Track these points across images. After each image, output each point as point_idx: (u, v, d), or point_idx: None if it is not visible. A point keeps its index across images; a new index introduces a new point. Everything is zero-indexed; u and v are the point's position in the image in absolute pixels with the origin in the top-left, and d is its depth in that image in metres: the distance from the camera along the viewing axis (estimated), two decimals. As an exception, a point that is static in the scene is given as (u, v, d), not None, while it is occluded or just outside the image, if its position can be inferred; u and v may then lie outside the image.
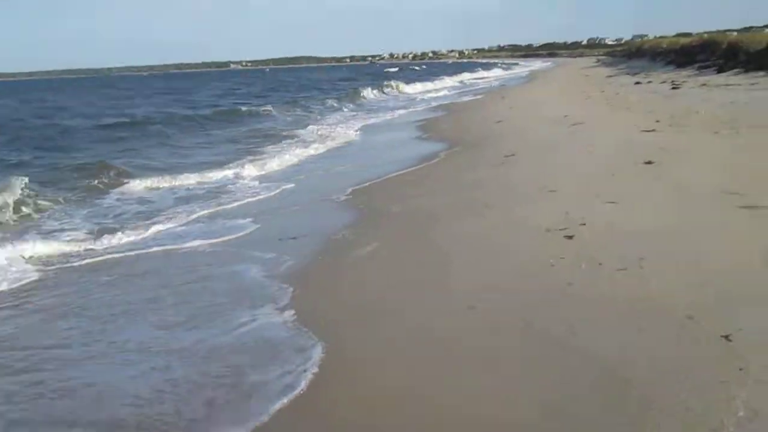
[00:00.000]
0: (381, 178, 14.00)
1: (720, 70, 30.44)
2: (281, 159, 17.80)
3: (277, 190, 13.70)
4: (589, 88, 34.31)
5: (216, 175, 15.79)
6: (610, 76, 44.87)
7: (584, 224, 8.52)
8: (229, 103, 44.23)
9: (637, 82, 33.18)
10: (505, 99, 33.21)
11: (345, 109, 36.73)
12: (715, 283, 6.31)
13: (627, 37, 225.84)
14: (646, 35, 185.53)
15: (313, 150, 19.64)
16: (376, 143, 21.00)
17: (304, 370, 5.54)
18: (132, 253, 9.70)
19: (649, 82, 32.87)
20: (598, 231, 8.25)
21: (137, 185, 15.13)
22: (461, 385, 5.13)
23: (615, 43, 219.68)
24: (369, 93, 47.47)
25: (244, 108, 36.81)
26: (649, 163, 11.87)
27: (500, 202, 10.45)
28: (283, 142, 22.22)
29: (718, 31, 65.67)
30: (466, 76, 74.38)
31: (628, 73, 44.60)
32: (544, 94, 33.04)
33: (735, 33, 53.06)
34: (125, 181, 15.59)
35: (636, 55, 71.06)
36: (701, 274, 6.55)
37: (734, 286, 6.18)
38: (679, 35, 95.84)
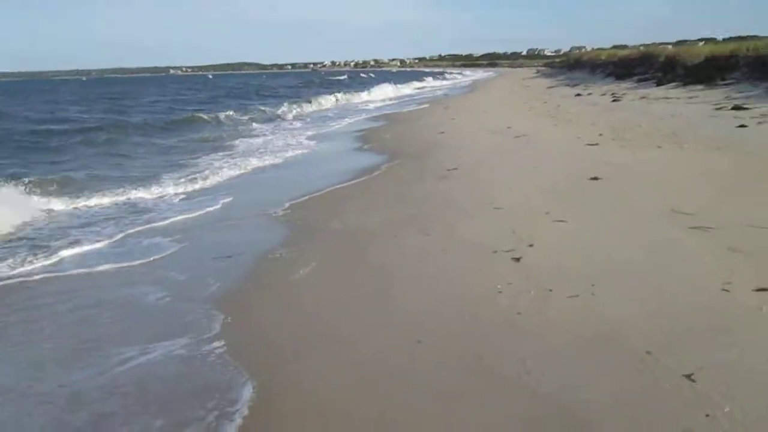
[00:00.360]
0: (320, 191, 13.43)
1: (659, 83, 30.72)
2: (221, 171, 16.97)
3: (213, 206, 12.79)
4: (531, 99, 34.35)
5: (148, 189, 14.69)
6: (551, 87, 45.11)
7: (532, 245, 8.14)
8: (174, 110, 42.43)
9: (578, 94, 33.30)
10: (448, 109, 32.96)
11: (290, 117, 35.95)
12: (673, 312, 5.96)
13: (565, 48, 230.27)
14: (583, 47, 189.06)
15: (255, 160, 18.90)
16: (317, 154, 20.42)
17: (227, 414, 4.95)
18: (32, 278, 8.48)
19: (590, 94, 33.00)
20: (547, 253, 7.87)
21: (54, 202, 13.17)
22: (409, 428, 4.65)
23: (554, 54, 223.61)
24: (314, 102, 46.61)
25: (187, 115, 35.13)
26: (596, 179, 11.60)
27: (444, 219, 10.01)
28: (224, 152, 21.41)
29: (654, 45, 66.95)
30: (414, 85, 74.53)
31: (568, 84, 44.90)
32: (487, 105, 32.91)
33: (670, 46, 54.03)
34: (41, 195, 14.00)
35: (575, 66, 71.84)
36: (657, 301, 6.20)
37: (692, 316, 5.84)
38: (615, 47, 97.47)
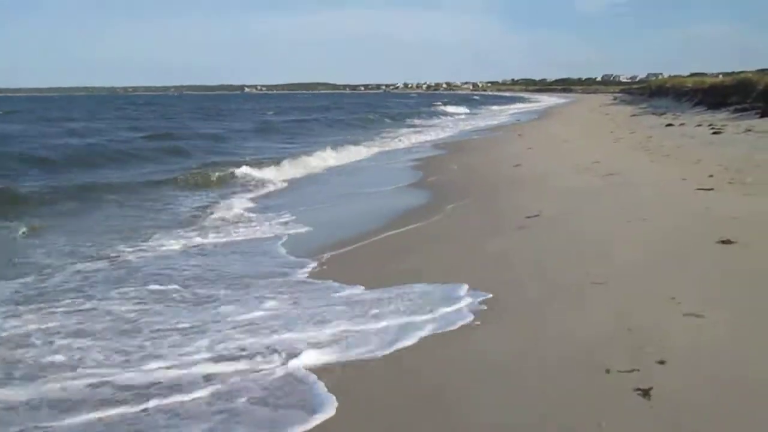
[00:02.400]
0: (366, 240, 10.92)
1: (763, 115, 27.30)
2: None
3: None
4: (616, 127, 31.29)
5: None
6: (635, 116, 41.83)
7: (663, 362, 5.36)
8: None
9: (669, 124, 30.06)
10: (523, 137, 30.16)
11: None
12: None
13: (641, 75, 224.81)
14: (660, 74, 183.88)
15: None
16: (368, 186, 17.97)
17: None
18: None
19: (682, 124, 29.75)
20: (686, 376, 5.11)
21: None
22: None
23: (630, 80, 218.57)
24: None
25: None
26: (727, 242, 8.71)
27: (525, 298, 7.31)
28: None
29: (735, 73, 63.03)
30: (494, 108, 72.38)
31: (653, 113, 41.53)
32: (566, 133, 29.99)
33: (750, 74, 50.33)
34: None
35: (657, 93, 68.14)
36: None
37: None
38: (693, 75, 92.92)
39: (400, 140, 34.14)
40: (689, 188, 12.98)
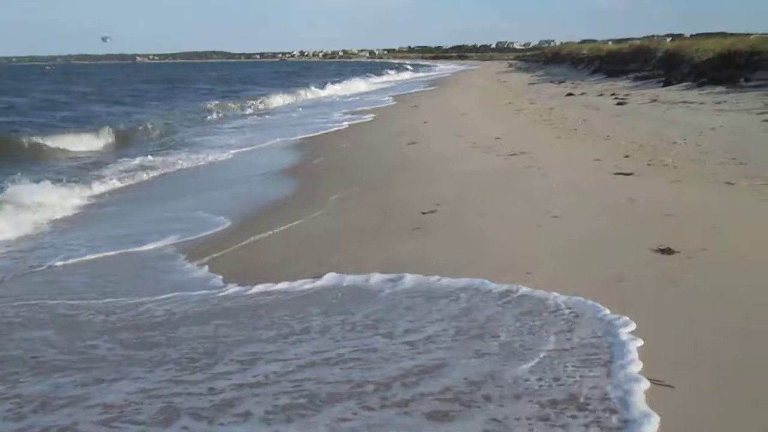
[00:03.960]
0: (227, 245, 8.84)
1: (666, 83, 26.26)
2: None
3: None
4: (515, 97, 29.79)
5: None
6: (532, 84, 40.66)
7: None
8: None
9: (570, 94, 28.79)
10: (418, 108, 28.32)
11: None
12: None
13: (534, 41, 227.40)
14: (552, 41, 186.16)
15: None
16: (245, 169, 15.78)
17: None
18: None
19: (583, 93, 28.55)
20: None
21: None
22: None
23: (523, 47, 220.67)
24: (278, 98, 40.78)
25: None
26: (667, 252, 7.03)
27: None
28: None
29: (623, 40, 62.89)
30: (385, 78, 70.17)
31: (551, 81, 40.49)
32: (464, 104, 28.25)
33: (638, 41, 50.23)
34: None
35: (553, 60, 67.65)
36: None
37: None
38: (584, 41, 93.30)
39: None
40: (605, 172, 11.38)
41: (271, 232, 9.50)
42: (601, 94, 26.77)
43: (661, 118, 17.74)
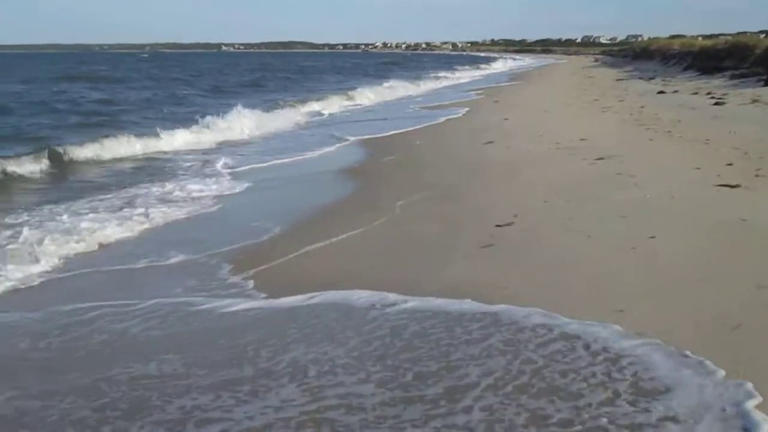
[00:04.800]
0: (283, 253, 7.94)
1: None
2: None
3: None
4: (602, 94, 28.19)
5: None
6: (620, 80, 38.82)
7: None
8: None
9: (661, 91, 27.07)
10: (499, 104, 27.07)
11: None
12: None
13: (621, 36, 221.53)
14: (640, 35, 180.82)
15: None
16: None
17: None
18: None
19: (675, 91, 26.81)
20: None
21: None
22: None
23: (610, 42, 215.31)
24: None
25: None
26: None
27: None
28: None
29: (719, 35, 59.89)
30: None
31: (640, 78, 38.57)
32: (547, 100, 26.86)
33: (729, 37, 47.77)
34: None
35: (642, 56, 65.11)
36: None
37: None
38: (673, 37, 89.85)
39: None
40: (707, 183, 10.04)
41: (328, 242, 8.56)
42: (695, 93, 25.03)
43: (765, 121, 16.14)
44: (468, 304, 6.03)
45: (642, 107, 21.37)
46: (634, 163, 11.95)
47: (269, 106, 26.50)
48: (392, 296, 6.35)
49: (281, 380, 4.86)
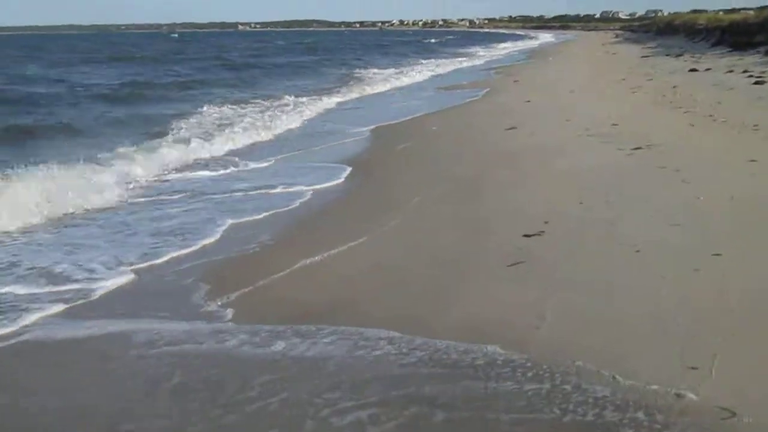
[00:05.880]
0: (277, 269, 6.66)
1: (812, 59, 22.69)
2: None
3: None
4: (628, 72, 26.61)
5: None
6: (645, 57, 37.06)
7: None
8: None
9: (693, 69, 25.47)
10: (519, 83, 25.60)
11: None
12: None
13: (640, 11, 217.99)
14: (660, 10, 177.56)
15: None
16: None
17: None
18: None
19: (708, 69, 25.18)
20: None
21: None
22: None
23: (629, 17, 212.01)
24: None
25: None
26: None
27: None
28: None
29: (740, 10, 57.74)
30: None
31: (667, 54, 36.81)
32: (570, 79, 25.35)
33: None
34: None
35: (665, 31, 62.99)
36: None
37: None
38: (694, 11, 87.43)
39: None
40: (767, 180, 8.64)
41: (326, 255, 7.27)
42: (730, 71, 23.42)
43: (818, 103, 14.67)
44: (491, 352, 4.74)
45: (675, 87, 19.85)
46: (677, 153, 10.57)
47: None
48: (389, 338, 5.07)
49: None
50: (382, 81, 30.29)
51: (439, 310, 5.59)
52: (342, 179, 10.98)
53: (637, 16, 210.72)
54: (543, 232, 7.26)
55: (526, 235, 7.18)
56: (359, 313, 5.71)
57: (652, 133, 12.23)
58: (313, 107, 20.81)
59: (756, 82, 19.00)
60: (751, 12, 48.14)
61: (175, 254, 7.45)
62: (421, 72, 35.65)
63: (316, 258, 7.14)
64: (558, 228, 7.37)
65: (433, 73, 35.38)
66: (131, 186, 10.63)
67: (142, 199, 9.96)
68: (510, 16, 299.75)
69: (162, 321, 5.75)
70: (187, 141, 14.10)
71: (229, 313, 5.95)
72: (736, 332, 4.77)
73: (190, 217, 8.88)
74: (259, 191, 10.33)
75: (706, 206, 7.71)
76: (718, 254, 6.16)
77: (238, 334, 5.50)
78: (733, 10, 69.45)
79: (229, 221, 8.62)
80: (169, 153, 12.91)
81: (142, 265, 7.11)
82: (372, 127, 16.32)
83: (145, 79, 31.19)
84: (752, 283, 5.56)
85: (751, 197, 7.91)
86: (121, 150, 12.79)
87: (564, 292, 5.71)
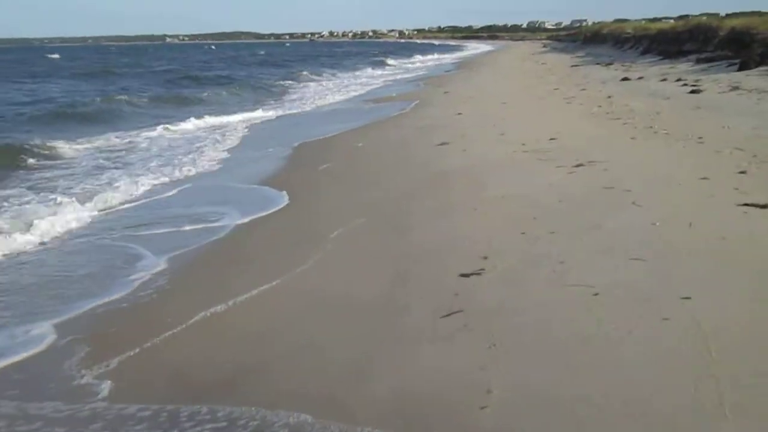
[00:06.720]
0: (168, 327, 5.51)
1: (742, 66, 22.30)
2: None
3: None
4: (560, 82, 26.03)
5: None
6: (576, 66, 36.76)
7: None
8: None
9: (625, 78, 24.99)
10: (449, 94, 24.74)
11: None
12: None
13: (565, 22, 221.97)
14: (585, 20, 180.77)
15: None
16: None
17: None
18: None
19: (640, 77, 24.75)
20: None
21: None
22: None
23: (555, 27, 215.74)
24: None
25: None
26: None
27: None
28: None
29: (661, 19, 58.48)
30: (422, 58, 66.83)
31: (597, 63, 36.60)
32: (502, 90, 24.62)
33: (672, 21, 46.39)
34: None
35: (593, 40, 63.41)
36: None
37: None
38: (617, 21, 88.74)
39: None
40: (726, 201, 7.78)
41: (231, 302, 6.15)
42: (663, 79, 22.97)
43: (760, 113, 14.03)
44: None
45: (609, 97, 19.21)
46: (623, 170, 9.69)
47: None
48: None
49: None
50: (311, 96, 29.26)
51: (359, 385, 4.51)
52: (256, 206, 9.82)
53: (563, 25, 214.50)
54: (482, 270, 6.25)
55: (462, 275, 6.15)
56: (266, 384, 4.66)
57: (592, 148, 11.38)
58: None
59: (692, 91, 18.44)
60: (672, 21, 48.59)
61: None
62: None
63: (219, 308, 6.03)
64: (499, 264, 6.36)
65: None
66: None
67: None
68: (439, 27, 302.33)
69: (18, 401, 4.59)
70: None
71: (105, 387, 4.82)
72: (716, 402, 3.78)
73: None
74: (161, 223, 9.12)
75: (664, 234, 6.77)
76: (687, 297, 5.20)
77: (108, 417, 4.38)
78: (655, 19, 70.39)
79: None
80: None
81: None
82: (295, 144, 15.19)
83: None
84: (729, 334, 4.60)
85: (710, 223, 7.01)
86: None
87: (513, 354, 4.68)
